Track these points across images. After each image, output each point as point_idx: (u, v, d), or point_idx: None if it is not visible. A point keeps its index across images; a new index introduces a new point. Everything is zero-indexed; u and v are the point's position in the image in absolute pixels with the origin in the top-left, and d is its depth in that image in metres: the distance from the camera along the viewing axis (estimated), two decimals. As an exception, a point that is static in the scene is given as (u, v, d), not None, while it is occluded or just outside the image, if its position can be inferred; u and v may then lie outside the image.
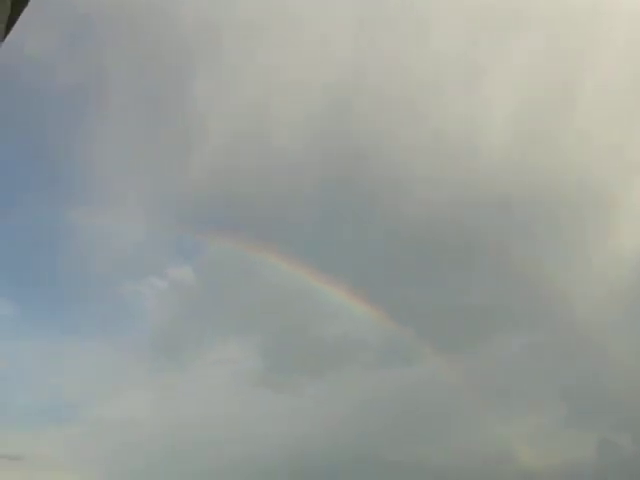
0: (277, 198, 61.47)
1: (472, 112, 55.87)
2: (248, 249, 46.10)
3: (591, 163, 58.39)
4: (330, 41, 54.29)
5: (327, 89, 59.15)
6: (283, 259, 45.28)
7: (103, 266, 49.98)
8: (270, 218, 64.60)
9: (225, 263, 58.65)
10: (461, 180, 59.18)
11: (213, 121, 55.59)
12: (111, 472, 44.04)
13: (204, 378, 59.00)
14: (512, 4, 52.35)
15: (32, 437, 40.30)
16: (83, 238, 52.40)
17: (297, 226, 62.64)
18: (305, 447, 47.85)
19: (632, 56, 57.51)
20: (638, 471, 57.61)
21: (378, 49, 59.68)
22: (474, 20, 56.82)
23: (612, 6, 50.92)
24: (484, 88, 55.88)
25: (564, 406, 55.38)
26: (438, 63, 59.03)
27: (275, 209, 61.23)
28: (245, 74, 60.51)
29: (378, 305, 50.56)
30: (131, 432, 45.57)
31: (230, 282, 65.39)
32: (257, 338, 67.49)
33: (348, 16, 51.01)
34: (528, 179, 58.95)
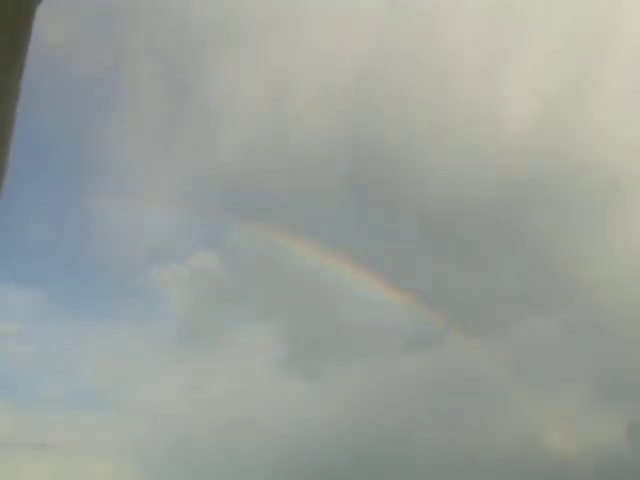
0: (305, 184, 60.14)
1: (491, 105, 54.99)
2: (275, 235, 45.80)
3: (622, 145, 57.09)
4: (348, 34, 53.68)
5: (346, 80, 58.12)
6: (310, 245, 44.97)
7: (129, 253, 49.40)
8: (297, 204, 63.09)
9: (251, 249, 57.78)
10: (487, 169, 58.09)
11: (240, 105, 54.37)
12: (141, 459, 43.81)
13: (230, 364, 58.45)
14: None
15: (61, 423, 40.12)
16: (109, 225, 51.57)
17: (325, 212, 61.54)
18: (333, 433, 47.53)
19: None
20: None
21: (396, 43, 58.61)
22: (492, 12, 55.86)
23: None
24: (503, 81, 54.97)
25: (594, 390, 54.60)
26: (455, 57, 57.96)
27: (302, 195, 59.92)
28: (269, 57, 59.08)
29: (407, 290, 49.91)
30: (159, 419, 45.19)
31: (257, 268, 63.89)
32: (284, 324, 65.94)
33: (367, 8, 50.50)
34: (557, 165, 57.53)
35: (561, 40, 60.84)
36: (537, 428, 51.99)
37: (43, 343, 39.86)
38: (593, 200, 60.85)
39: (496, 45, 60.80)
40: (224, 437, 48.84)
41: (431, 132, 62.00)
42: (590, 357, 58.24)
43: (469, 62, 60.26)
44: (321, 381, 59.33)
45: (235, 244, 64.71)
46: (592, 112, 58.88)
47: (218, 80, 56.78)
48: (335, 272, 44.16)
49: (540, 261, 60.24)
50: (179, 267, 70.28)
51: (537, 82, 60.27)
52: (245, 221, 50.07)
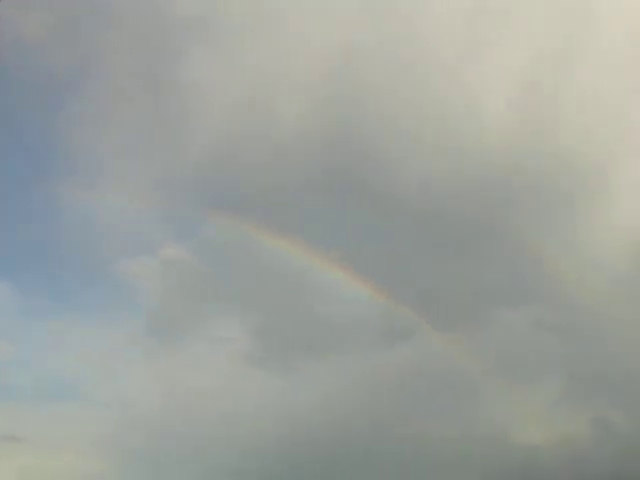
0: (277, 180, 59.81)
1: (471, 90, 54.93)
2: (245, 229, 45.64)
3: (590, 139, 57.69)
4: (332, 21, 53.35)
5: (325, 75, 57.85)
6: (283, 239, 44.90)
7: (100, 244, 48.87)
8: (268, 199, 62.81)
9: (224, 242, 57.48)
10: (461, 161, 58.43)
11: (212, 100, 54.01)
12: (108, 452, 43.49)
13: (200, 358, 58.07)
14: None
15: (29, 416, 39.69)
16: (79, 216, 50.96)
17: (300, 207, 61.32)
18: (302, 426, 47.57)
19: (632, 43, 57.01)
20: (630, 449, 57.95)
21: (373, 40, 58.61)
22: (467, 9, 56.30)
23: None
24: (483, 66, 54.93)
25: (563, 384, 55.35)
26: (432, 53, 58.15)
27: (274, 190, 59.75)
28: (243, 52, 58.87)
29: (378, 284, 50.09)
30: (128, 412, 44.90)
31: (229, 262, 63.52)
32: (254, 318, 65.55)
33: (344, 7, 50.42)
34: (529, 162, 58.29)
35: (536, 38, 60.36)
36: (507, 421, 52.18)
37: (11, 335, 38.97)
38: (569, 199, 60.95)
39: (473, 42, 60.40)
40: (194, 431, 48.20)
41: (411, 129, 61.43)
42: (560, 352, 58.36)
43: (447, 58, 59.74)
44: (294, 376, 58.65)
45: (207, 237, 63.03)
46: (567, 109, 58.78)
47: (194, 73, 55.22)
48: (309, 266, 44.09)
49: (512, 256, 59.84)
50: (150, 259, 67.81)
51: (513, 79, 59.86)
52: (218, 214, 49.65)
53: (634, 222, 58.20)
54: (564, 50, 57.85)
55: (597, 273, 56.94)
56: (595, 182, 59.33)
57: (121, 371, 49.25)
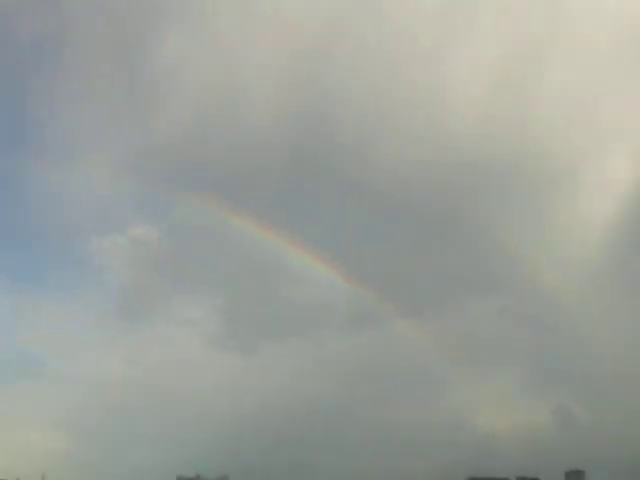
0: (246, 162, 59.72)
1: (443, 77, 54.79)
2: (216, 211, 45.59)
3: (558, 134, 57.94)
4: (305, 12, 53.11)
5: (297, 59, 57.62)
6: (251, 222, 44.89)
7: (69, 222, 49.11)
8: (241, 180, 62.69)
9: (192, 224, 57.32)
10: (432, 149, 58.21)
11: (185, 83, 53.94)
12: (76, 427, 43.49)
13: (167, 337, 57.98)
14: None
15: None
16: (48, 193, 51.23)
17: (268, 189, 61.16)
18: (267, 407, 47.58)
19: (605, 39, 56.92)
20: (589, 439, 58.65)
21: (347, 25, 58.22)
22: (443, 4, 56.22)
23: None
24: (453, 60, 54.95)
25: (527, 372, 56.01)
26: (405, 40, 58.00)
27: (247, 172, 59.52)
28: (218, 33, 58.51)
29: (345, 269, 50.15)
30: (95, 388, 45.00)
31: (195, 243, 63.49)
32: (222, 300, 65.73)
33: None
34: (499, 150, 58.11)
35: (509, 34, 60.32)
36: (471, 408, 52.63)
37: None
38: (537, 191, 61.05)
39: (446, 32, 60.10)
40: (159, 408, 48.15)
41: (380, 114, 61.04)
42: (525, 340, 59.05)
43: (419, 47, 59.44)
44: (257, 356, 58.72)
45: (176, 217, 62.79)
46: (535, 102, 58.84)
47: (167, 53, 54.98)
48: (275, 249, 44.28)
49: (479, 245, 59.94)
50: (119, 237, 67.65)
51: (484, 70, 59.96)
52: (188, 195, 49.52)
53: (600, 215, 58.28)
54: (534, 47, 57.47)
55: (563, 264, 56.76)
56: (563, 176, 58.72)
57: (88, 349, 48.68)
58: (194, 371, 59.73)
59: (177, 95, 59.68)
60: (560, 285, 60.68)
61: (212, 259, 67.69)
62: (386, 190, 58.95)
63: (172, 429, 57.74)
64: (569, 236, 62.02)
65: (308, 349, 62.89)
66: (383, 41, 53.24)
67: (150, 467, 59.40)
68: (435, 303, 68.66)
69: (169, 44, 55.82)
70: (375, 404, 58.50)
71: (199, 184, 56.20)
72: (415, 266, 62.27)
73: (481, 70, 58.20)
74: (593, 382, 62.46)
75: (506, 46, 59.42)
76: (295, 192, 62.38)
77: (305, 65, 53.53)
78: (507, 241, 59.36)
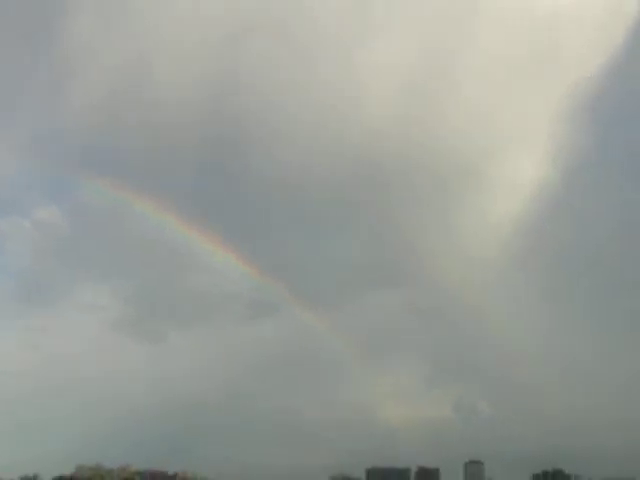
0: (160, 145, 58.71)
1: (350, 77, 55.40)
2: (124, 195, 44.70)
3: (464, 134, 59.24)
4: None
5: (208, 54, 57.16)
6: (160, 208, 44.30)
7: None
8: (150, 165, 61.63)
9: (97, 207, 56.09)
10: (342, 145, 58.58)
11: (94, 64, 52.74)
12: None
13: (69, 324, 56.63)
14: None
15: None
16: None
17: (179, 176, 60.41)
18: (170, 395, 47.18)
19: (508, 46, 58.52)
20: (491, 433, 60.43)
21: (266, 18, 58.16)
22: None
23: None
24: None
25: (430, 366, 57.13)
26: (322, 34, 58.35)
27: (157, 156, 58.56)
28: (133, 15, 57.37)
29: (251, 259, 50.08)
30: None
31: (100, 227, 62.17)
32: (126, 285, 64.69)
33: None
34: (409, 151, 59.02)
35: (423, 38, 61.21)
36: (372, 401, 53.33)
37: None
38: (443, 185, 62.18)
39: (360, 29, 60.53)
40: (61, 396, 47.04)
41: (293, 107, 60.98)
42: (429, 334, 60.21)
43: (336, 40, 59.65)
44: (163, 345, 57.96)
45: (81, 200, 61.43)
46: (447, 105, 59.93)
47: (77, 32, 53.73)
48: (182, 236, 43.86)
49: (385, 238, 60.75)
50: (21, 220, 65.91)
51: (397, 69, 60.68)
52: (93, 178, 48.37)
53: (504, 213, 59.89)
54: (447, 51, 58.53)
55: (468, 260, 58.01)
56: (469, 174, 60.07)
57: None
58: (98, 358, 58.67)
59: (84, 77, 58.42)
60: (464, 280, 62.50)
61: (119, 245, 66.84)
62: (296, 184, 59.61)
63: (74, 417, 56.56)
64: (474, 235, 63.89)
65: (214, 337, 62.70)
66: (301, 35, 53.64)
67: (49, 455, 57.98)
68: (340, 295, 69.62)
69: (80, 26, 54.40)
70: (280, 395, 58.90)
71: (104, 166, 55.27)
72: (321, 259, 63.16)
73: (394, 72, 59.38)
74: (495, 377, 64.63)
75: (417, 53, 60.96)
76: (205, 181, 62.30)
77: (220, 55, 53.18)
78: (414, 237, 60.71)
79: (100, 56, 56.66)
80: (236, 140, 57.67)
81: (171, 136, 58.73)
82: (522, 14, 74.63)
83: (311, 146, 56.22)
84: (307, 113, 52.97)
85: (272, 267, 56.76)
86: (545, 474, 73.12)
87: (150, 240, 62.27)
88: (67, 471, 60.73)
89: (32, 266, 68.47)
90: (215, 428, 57.77)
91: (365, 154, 58.13)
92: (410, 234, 59.76)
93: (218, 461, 59.28)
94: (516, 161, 69.64)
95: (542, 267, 72.05)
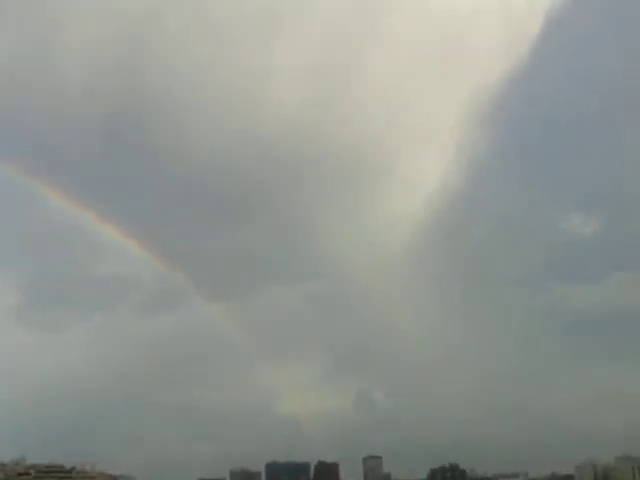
0: (64, 131, 57.95)
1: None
2: (24, 178, 43.62)
3: (367, 134, 60.91)
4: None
5: (122, 40, 57.05)
6: (62, 193, 43.43)
7: None
8: (54, 149, 60.72)
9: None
10: (252, 137, 59.33)
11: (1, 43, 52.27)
12: None
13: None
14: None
15: None
16: None
17: (82, 162, 59.58)
18: (68, 387, 46.25)
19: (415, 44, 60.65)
20: (387, 423, 61.84)
21: (171, 11, 58.60)
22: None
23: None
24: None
25: (330, 358, 58.08)
26: (230, 26, 59.11)
27: (60, 142, 57.76)
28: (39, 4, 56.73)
29: (154, 249, 49.83)
30: None
31: (0, 211, 60.62)
32: (22, 272, 63.53)
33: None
34: (319, 144, 60.27)
35: (333, 27, 62.49)
36: (274, 393, 53.80)
37: None
38: (348, 179, 63.61)
39: (271, 24, 61.32)
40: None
41: (197, 103, 61.45)
42: (332, 328, 61.23)
43: (245, 34, 60.32)
44: (62, 333, 56.72)
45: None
46: (358, 99, 61.26)
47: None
48: (85, 223, 43.14)
49: (293, 232, 61.73)
50: None
51: (306, 67, 61.77)
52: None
53: (409, 208, 61.77)
54: (358, 42, 59.96)
55: (373, 254, 59.70)
56: (379, 169, 61.89)
57: None
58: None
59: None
60: (368, 275, 63.91)
61: (16, 229, 65.14)
62: (203, 179, 59.79)
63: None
64: (380, 229, 65.50)
65: (113, 327, 61.71)
66: (207, 26, 54.05)
67: None
68: (242, 288, 70.05)
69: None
70: (181, 387, 58.63)
71: (10, 151, 53.79)
72: (223, 250, 63.43)
73: (302, 64, 60.48)
74: (393, 367, 66.17)
75: (330, 46, 62.04)
76: (109, 168, 61.77)
77: (124, 48, 53.00)
78: (320, 231, 61.69)
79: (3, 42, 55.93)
80: (140, 134, 57.72)
81: (76, 125, 57.78)
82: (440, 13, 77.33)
83: (219, 144, 57.04)
84: (214, 110, 53.54)
85: (176, 260, 56.63)
86: (443, 469, 74.88)
87: (52, 226, 61.09)
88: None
89: None
90: (115, 420, 56.95)
91: (273, 147, 59.22)
92: (318, 228, 60.84)
93: (118, 454, 58.39)
94: (424, 159, 72.07)
95: (435, 260, 74.43)
